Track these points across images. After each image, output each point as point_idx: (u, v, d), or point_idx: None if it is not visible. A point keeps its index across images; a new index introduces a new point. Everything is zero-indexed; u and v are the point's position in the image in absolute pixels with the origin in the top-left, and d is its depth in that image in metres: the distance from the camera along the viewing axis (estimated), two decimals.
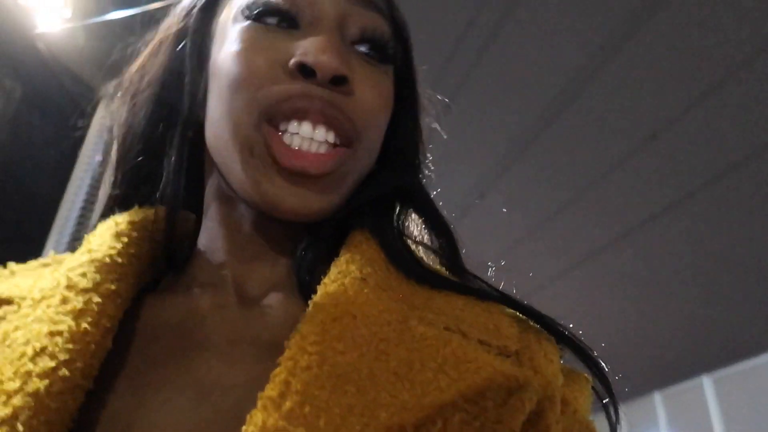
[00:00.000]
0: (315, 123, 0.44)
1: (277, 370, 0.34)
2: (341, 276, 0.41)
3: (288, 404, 0.31)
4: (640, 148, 2.71)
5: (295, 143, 0.44)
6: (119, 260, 0.44)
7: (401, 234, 0.50)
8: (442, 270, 0.49)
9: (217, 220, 0.51)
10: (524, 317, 0.43)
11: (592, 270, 3.55)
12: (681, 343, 4.27)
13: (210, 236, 0.51)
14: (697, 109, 2.45)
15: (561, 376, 0.39)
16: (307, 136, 0.44)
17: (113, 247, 0.44)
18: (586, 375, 0.44)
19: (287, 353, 0.35)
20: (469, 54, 2.34)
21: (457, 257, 0.51)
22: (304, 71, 0.43)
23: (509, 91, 2.52)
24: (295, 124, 0.44)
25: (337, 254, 0.45)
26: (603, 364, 0.44)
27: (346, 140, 0.46)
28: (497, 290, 0.46)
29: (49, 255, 0.51)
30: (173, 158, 0.49)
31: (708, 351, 4.34)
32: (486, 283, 0.48)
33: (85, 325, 0.38)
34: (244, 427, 0.31)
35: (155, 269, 0.50)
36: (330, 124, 0.44)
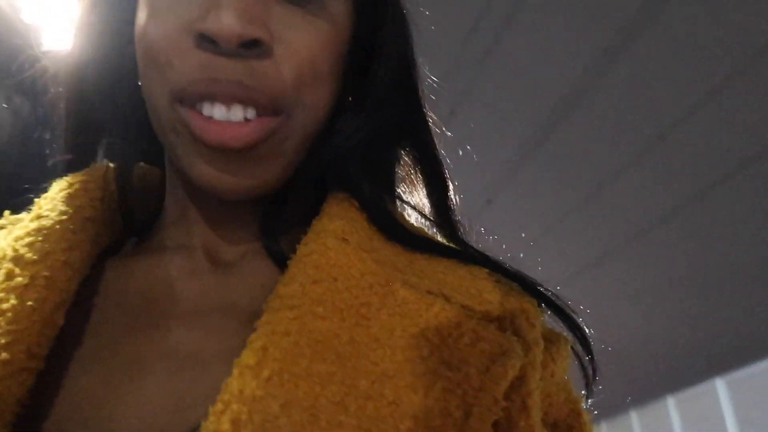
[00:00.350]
0: (227, 104, 0.38)
1: (254, 335, 0.32)
2: (321, 237, 0.38)
3: (266, 372, 0.30)
4: (647, 150, 2.69)
5: (216, 116, 0.38)
6: (71, 226, 0.40)
7: (384, 193, 0.46)
8: (427, 232, 0.47)
9: (179, 184, 0.46)
10: (507, 280, 0.42)
11: (601, 273, 3.52)
12: (693, 346, 4.23)
13: (175, 198, 0.47)
14: (703, 109, 2.44)
15: (542, 340, 0.38)
16: (222, 119, 0.38)
17: (64, 212, 0.41)
18: (565, 336, 0.42)
19: (264, 317, 0.33)
20: (472, 59, 2.34)
21: (448, 213, 0.48)
22: (207, 41, 0.37)
23: (514, 96, 2.52)
24: (208, 105, 0.38)
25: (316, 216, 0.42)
26: (584, 326, 0.43)
27: (271, 110, 0.40)
28: (481, 253, 0.44)
29: (4, 215, 0.47)
30: (119, 113, 0.46)
31: (720, 353, 4.30)
32: (471, 246, 0.46)
33: (30, 302, 0.35)
34: (219, 396, 0.30)
35: (115, 231, 0.47)
36: (245, 102, 0.38)
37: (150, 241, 0.47)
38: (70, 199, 0.42)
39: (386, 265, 0.38)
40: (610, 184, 2.89)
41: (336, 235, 0.39)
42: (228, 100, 0.38)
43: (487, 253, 0.44)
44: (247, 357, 0.31)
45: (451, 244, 0.46)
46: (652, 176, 2.84)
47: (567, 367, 0.42)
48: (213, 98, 0.38)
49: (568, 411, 0.41)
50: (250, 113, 0.39)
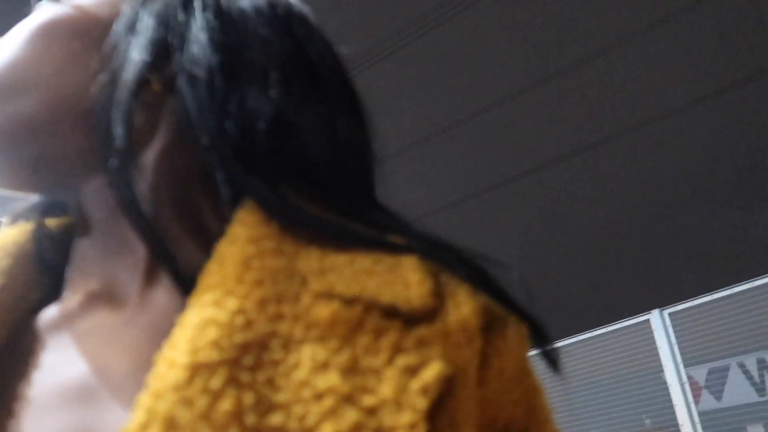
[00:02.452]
0: None
1: (143, 394, 0.29)
2: (218, 264, 0.34)
3: None
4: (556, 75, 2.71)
5: None
6: None
7: (291, 193, 0.40)
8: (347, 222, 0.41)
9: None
10: (439, 265, 0.37)
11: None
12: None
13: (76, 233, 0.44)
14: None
15: (479, 337, 0.34)
16: None
17: None
18: (514, 318, 0.38)
19: (157, 369, 0.30)
20: None
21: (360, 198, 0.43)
22: None
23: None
24: None
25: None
26: (531, 311, 0.38)
27: None
28: (413, 237, 0.39)
29: None
30: None
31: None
32: (401, 225, 0.41)
33: None
34: None
35: (45, 290, 0.44)
36: None
37: (66, 292, 0.44)
38: None
39: (291, 280, 0.34)
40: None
41: (234, 256, 0.34)
42: None
43: (417, 237, 0.39)
44: (133, 420, 0.28)
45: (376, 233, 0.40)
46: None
47: (521, 355, 0.37)
48: None
49: (523, 410, 0.37)
50: None
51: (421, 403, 0.29)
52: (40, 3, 0.43)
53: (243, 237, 0.35)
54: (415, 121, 2.44)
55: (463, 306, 0.35)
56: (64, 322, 0.40)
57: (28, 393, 0.36)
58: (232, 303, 0.32)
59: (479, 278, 0.38)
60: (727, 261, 3.37)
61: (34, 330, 0.40)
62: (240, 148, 0.39)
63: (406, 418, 0.29)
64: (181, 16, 0.42)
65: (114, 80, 0.39)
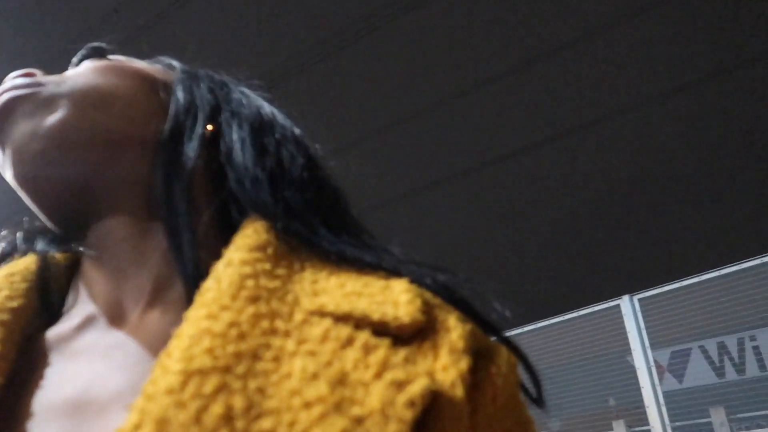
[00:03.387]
0: None
1: (139, 399, 0.31)
2: (215, 282, 0.37)
3: None
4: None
5: None
6: (0, 317, 0.41)
7: (294, 211, 0.46)
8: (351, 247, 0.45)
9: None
10: (429, 292, 0.40)
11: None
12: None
13: (82, 263, 0.49)
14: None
15: (465, 360, 0.35)
16: None
17: None
18: (504, 348, 0.40)
19: (152, 375, 0.31)
20: None
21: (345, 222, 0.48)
22: None
23: None
24: None
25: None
26: (515, 343, 0.41)
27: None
28: (403, 264, 0.43)
29: None
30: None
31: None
32: (391, 253, 0.45)
33: None
34: None
35: (48, 314, 0.47)
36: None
37: (64, 314, 0.47)
38: None
39: (286, 294, 0.37)
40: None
41: (231, 276, 0.37)
42: None
43: (407, 261, 0.43)
44: (126, 422, 0.29)
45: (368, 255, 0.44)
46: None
47: (513, 384, 0.39)
48: None
49: None
50: None
51: (407, 414, 0.30)
52: (86, 61, 0.53)
53: (239, 260, 0.38)
54: (374, 111, 2.49)
55: (452, 330, 0.36)
56: (65, 341, 0.43)
57: (33, 405, 0.38)
58: (226, 316, 0.33)
59: (467, 306, 0.40)
60: (695, 251, 3.50)
61: (39, 348, 0.43)
62: (266, 181, 0.47)
63: (392, 428, 0.29)
64: (224, 90, 0.54)
65: (177, 130, 0.48)
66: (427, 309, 0.37)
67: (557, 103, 2.32)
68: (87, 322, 0.44)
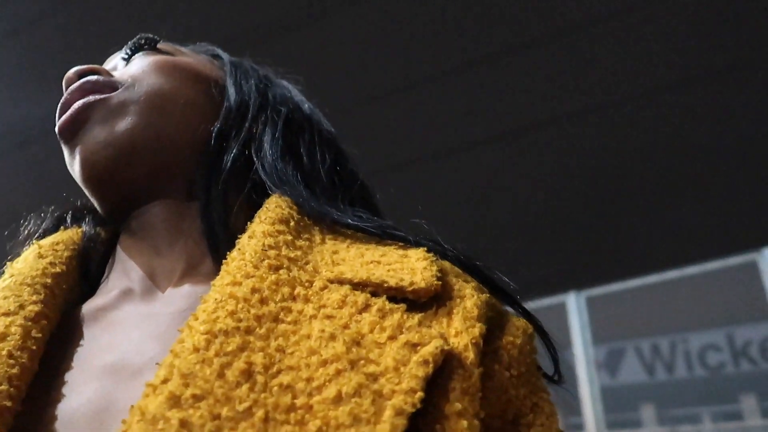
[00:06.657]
0: None
1: (168, 356, 0.32)
2: (239, 253, 0.40)
3: (169, 388, 0.30)
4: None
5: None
6: (44, 281, 0.44)
7: (313, 190, 0.51)
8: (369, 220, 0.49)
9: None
10: (447, 261, 0.42)
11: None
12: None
13: (120, 241, 0.53)
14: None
15: (478, 327, 0.36)
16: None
17: (36, 269, 0.45)
18: (521, 320, 0.42)
19: (180, 336, 0.34)
20: None
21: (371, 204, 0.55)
22: None
23: None
24: None
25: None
26: (534, 316, 0.43)
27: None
28: (420, 237, 0.46)
29: None
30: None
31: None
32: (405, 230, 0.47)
33: (8, 348, 0.38)
34: (124, 419, 0.30)
35: (87, 285, 0.51)
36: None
37: (104, 285, 0.50)
38: (39, 258, 0.46)
39: (306, 263, 0.40)
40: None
41: (254, 247, 0.40)
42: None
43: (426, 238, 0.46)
44: (156, 376, 0.31)
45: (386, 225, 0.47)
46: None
47: (529, 354, 0.40)
48: None
49: (531, 405, 0.39)
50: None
51: (421, 372, 0.31)
52: (140, 52, 0.55)
53: (262, 232, 0.41)
54: (342, 90, 2.40)
55: (467, 298, 0.38)
56: (102, 311, 0.45)
57: (74, 367, 0.40)
58: (249, 283, 0.36)
59: (485, 276, 0.42)
60: (643, 252, 3.62)
61: (78, 317, 0.45)
62: (294, 175, 0.51)
63: (405, 385, 0.30)
64: (268, 90, 0.58)
65: (226, 131, 0.52)
66: (443, 276, 0.39)
67: (528, 96, 2.32)
68: (123, 295, 0.47)
